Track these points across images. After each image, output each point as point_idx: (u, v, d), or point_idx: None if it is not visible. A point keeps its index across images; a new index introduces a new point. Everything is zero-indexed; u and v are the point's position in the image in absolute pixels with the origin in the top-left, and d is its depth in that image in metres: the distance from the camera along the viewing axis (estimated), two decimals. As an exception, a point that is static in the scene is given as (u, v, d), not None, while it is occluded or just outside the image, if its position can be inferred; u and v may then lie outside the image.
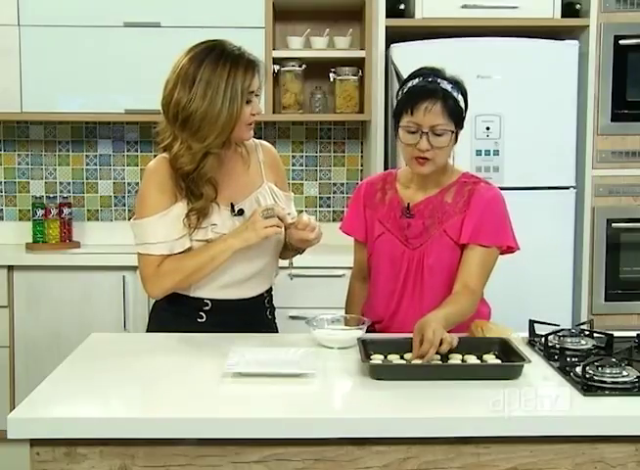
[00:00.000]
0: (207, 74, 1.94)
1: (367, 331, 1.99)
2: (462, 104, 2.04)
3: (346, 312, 2.29)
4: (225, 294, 2.08)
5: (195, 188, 1.99)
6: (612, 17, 3.26)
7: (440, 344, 1.75)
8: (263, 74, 2.04)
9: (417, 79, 2.05)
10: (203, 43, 2.01)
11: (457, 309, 1.96)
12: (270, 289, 2.21)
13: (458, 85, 2.05)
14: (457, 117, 2.02)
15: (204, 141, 1.95)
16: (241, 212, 2.05)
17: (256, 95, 2.02)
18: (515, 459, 1.50)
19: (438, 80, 2.02)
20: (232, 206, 2.05)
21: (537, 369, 1.74)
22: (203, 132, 1.95)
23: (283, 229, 2.01)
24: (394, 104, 2.13)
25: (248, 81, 1.96)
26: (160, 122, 2.03)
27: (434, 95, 1.99)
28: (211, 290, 2.07)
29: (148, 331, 2.18)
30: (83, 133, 3.80)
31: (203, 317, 2.08)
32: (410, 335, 1.82)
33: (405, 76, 2.11)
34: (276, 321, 2.25)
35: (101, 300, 3.31)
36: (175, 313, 2.10)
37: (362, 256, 2.25)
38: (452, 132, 2.01)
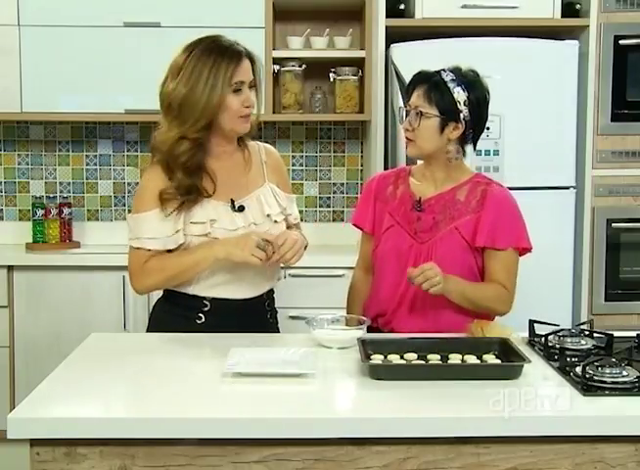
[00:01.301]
0: (193, 63, 1.98)
1: (369, 325, 2.00)
2: (458, 96, 2.07)
3: (348, 302, 2.32)
4: (222, 292, 2.07)
5: (172, 173, 2.00)
6: (612, 17, 3.26)
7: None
8: (261, 69, 2.06)
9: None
10: (199, 38, 2.04)
11: (478, 288, 2.10)
12: (271, 292, 2.20)
13: (462, 79, 2.09)
14: (444, 105, 2.07)
15: (181, 125, 1.98)
16: (241, 209, 2.06)
17: (251, 87, 2.03)
18: (515, 459, 1.50)
19: (442, 71, 2.11)
20: (232, 202, 2.06)
21: (537, 369, 1.74)
22: (182, 117, 1.98)
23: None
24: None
25: (231, 70, 1.97)
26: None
27: (425, 80, 2.10)
28: (207, 287, 2.06)
29: (148, 332, 2.18)
30: (83, 133, 3.80)
31: (201, 318, 2.07)
32: (412, 335, 1.83)
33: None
34: (278, 325, 2.24)
35: (101, 300, 3.31)
36: (174, 315, 2.10)
37: (368, 248, 2.27)
38: (434, 117, 2.06)
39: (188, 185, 2.00)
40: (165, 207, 1.99)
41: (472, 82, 2.10)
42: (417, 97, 2.10)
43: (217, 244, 1.99)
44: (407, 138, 2.14)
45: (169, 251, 2.03)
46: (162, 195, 1.99)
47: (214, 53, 1.98)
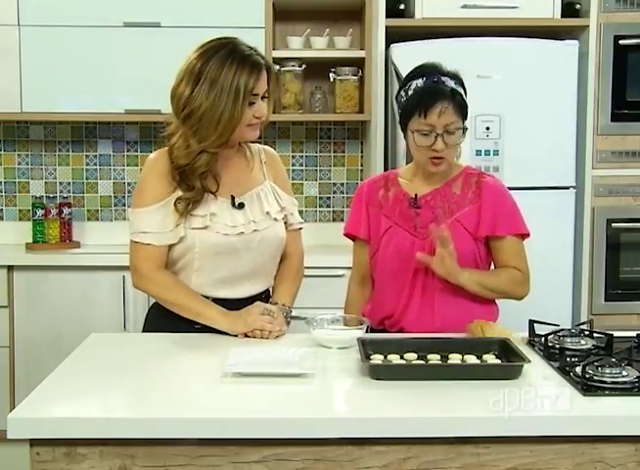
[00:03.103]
0: (213, 73, 1.95)
1: (376, 329, 2.00)
2: (465, 97, 2.08)
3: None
4: (223, 292, 2.07)
5: (186, 180, 2.01)
6: (612, 17, 3.26)
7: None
8: (274, 77, 2.05)
9: (421, 79, 2.07)
10: (215, 39, 2.01)
11: (492, 275, 2.15)
12: (269, 290, 2.20)
13: (458, 79, 2.09)
14: (465, 112, 2.07)
15: (201, 141, 1.97)
16: (241, 206, 2.06)
17: (264, 97, 2.02)
18: (515, 459, 1.50)
19: (443, 79, 2.06)
20: (232, 198, 2.06)
21: (537, 369, 1.74)
22: (202, 132, 1.97)
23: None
24: (396, 103, 2.15)
25: (251, 83, 1.96)
26: (170, 112, 2.04)
27: (445, 96, 2.03)
28: (209, 287, 2.06)
29: (144, 332, 2.17)
30: (83, 133, 3.80)
31: (199, 323, 2.05)
32: (412, 335, 1.81)
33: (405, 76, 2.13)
34: None
35: (101, 300, 3.31)
36: (171, 319, 2.06)
37: (363, 257, 2.25)
38: (463, 129, 2.07)
39: (199, 188, 2.01)
40: (176, 209, 2.00)
41: (459, 78, 2.09)
42: (447, 116, 2.01)
43: (221, 314, 2.01)
44: (437, 158, 2.06)
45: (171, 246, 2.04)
46: (176, 203, 1.99)
47: (235, 63, 1.95)
